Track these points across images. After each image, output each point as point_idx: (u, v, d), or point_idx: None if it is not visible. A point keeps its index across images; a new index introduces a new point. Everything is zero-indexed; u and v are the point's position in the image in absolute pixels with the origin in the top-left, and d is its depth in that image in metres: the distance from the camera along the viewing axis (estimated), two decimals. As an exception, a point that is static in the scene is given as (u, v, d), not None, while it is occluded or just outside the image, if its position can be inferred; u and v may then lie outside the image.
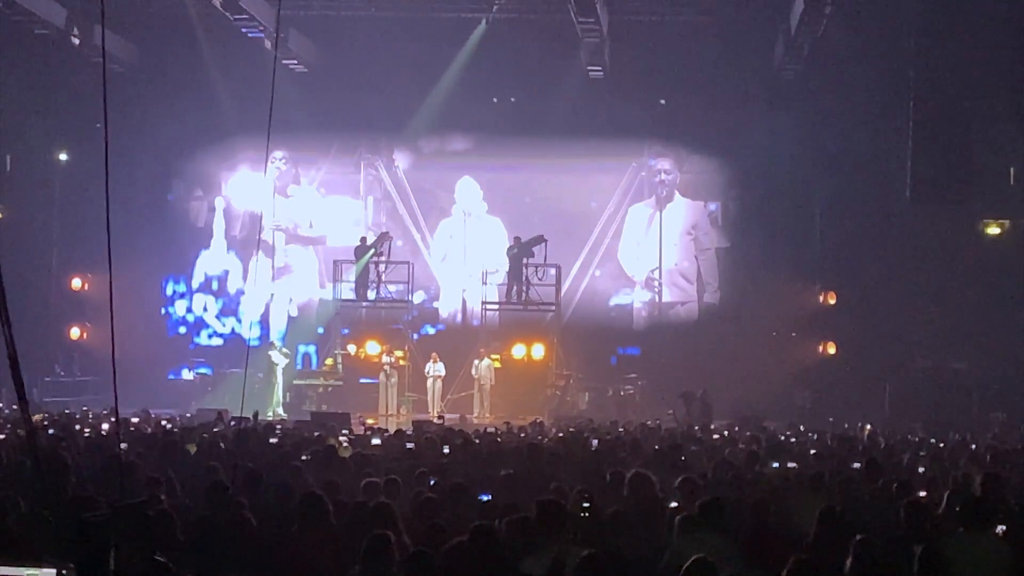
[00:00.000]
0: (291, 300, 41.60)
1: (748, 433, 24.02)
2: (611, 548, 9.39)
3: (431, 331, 41.43)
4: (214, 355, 39.92)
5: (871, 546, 9.06)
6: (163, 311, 41.82)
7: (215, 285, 42.11)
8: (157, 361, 38.95)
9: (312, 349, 40.76)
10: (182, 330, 41.90)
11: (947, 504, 11.71)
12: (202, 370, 38.80)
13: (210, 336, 41.90)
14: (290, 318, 41.77)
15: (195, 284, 42.17)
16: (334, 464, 15.75)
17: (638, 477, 12.53)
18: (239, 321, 41.57)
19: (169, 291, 42.06)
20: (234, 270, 41.99)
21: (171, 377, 39.19)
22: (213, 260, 42.23)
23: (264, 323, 41.45)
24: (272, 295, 41.55)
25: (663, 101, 39.91)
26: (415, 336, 40.32)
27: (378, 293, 38.13)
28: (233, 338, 40.94)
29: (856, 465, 16.07)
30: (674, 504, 11.86)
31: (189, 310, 42.02)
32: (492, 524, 9.58)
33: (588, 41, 36.59)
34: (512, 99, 40.61)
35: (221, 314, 42.02)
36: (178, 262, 42.34)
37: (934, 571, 8.84)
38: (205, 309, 41.97)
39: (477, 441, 20.10)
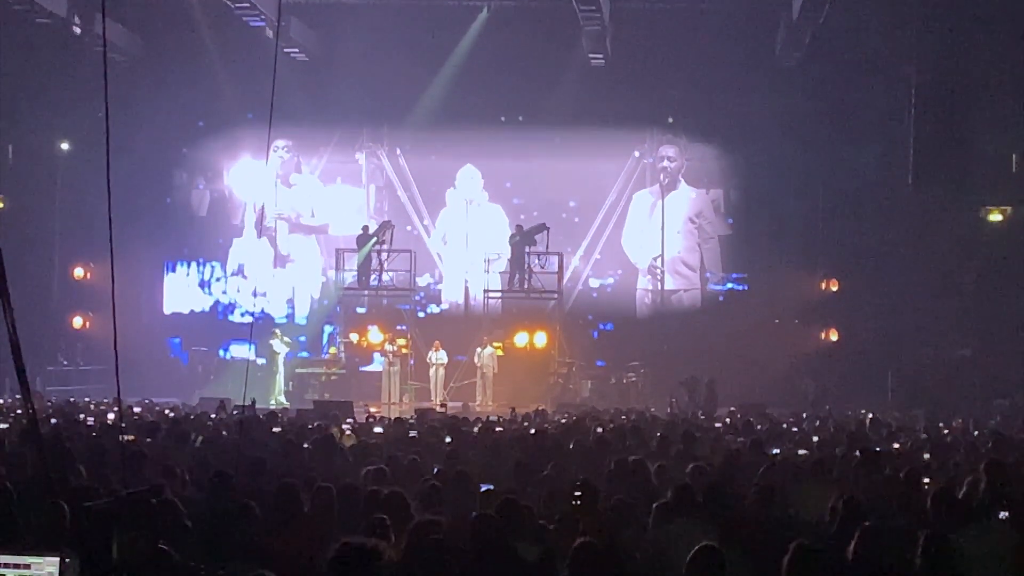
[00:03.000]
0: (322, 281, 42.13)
1: (750, 419, 24.03)
2: (607, 536, 9.39)
3: (436, 309, 41.68)
4: (246, 331, 40.00)
5: (878, 532, 9.05)
6: (211, 294, 42.64)
7: (247, 270, 42.56)
8: (159, 349, 39.06)
9: (334, 329, 41.01)
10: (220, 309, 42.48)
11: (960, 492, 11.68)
12: (246, 345, 38.69)
13: (242, 315, 42.28)
14: (313, 300, 42.08)
15: (229, 270, 42.59)
16: (336, 453, 15.79)
17: (635, 465, 12.55)
18: (268, 302, 42.29)
19: (207, 275, 42.78)
20: (263, 256, 42.54)
21: (222, 353, 39.24)
22: (245, 247, 42.63)
23: (290, 304, 42.37)
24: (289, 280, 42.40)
25: (671, 120, 40.58)
26: (421, 313, 40.61)
27: (380, 281, 38.16)
28: (263, 316, 41.63)
29: (859, 453, 16.05)
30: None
31: (224, 292, 42.54)
32: (492, 513, 9.58)
33: (589, 29, 36.54)
34: (520, 118, 40.74)
35: (253, 295, 42.68)
36: (180, 250, 42.49)
37: (938, 560, 8.84)
38: (239, 291, 42.49)
39: (476, 431, 20.08)
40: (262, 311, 42.03)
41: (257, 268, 42.32)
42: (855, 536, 8.95)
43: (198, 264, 42.68)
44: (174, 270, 42.58)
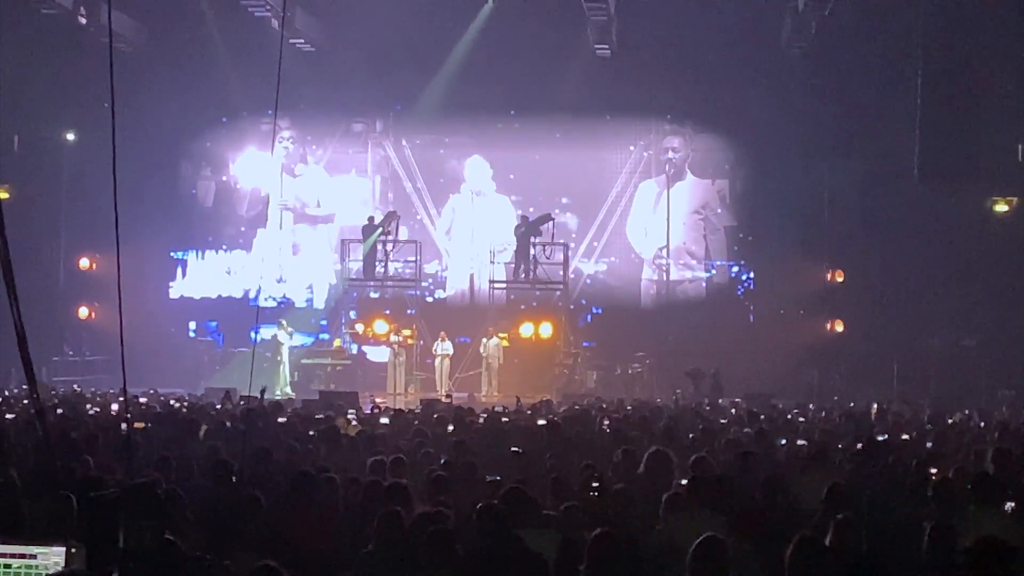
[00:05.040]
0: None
1: (754, 410, 24.02)
2: (622, 526, 9.41)
3: (443, 294, 41.95)
4: (270, 315, 39.89)
5: (853, 524, 9.06)
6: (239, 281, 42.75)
7: (268, 258, 42.83)
8: (165, 340, 39.05)
9: (352, 313, 41.13)
10: (252, 295, 42.73)
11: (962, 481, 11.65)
12: (274, 328, 38.57)
13: (266, 300, 42.42)
14: (331, 287, 42.32)
15: (255, 258, 42.80)
16: (342, 443, 15.81)
17: (657, 455, 12.43)
18: (288, 287, 42.81)
19: (234, 263, 43.10)
20: (285, 244, 43.03)
21: (253, 335, 39.25)
22: (269, 236, 42.93)
23: (310, 290, 42.84)
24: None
25: (668, 117, 40.81)
26: (429, 298, 40.94)
27: (385, 271, 38.22)
28: (285, 301, 42.16)
29: (859, 445, 16.04)
30: (684, 482, 11.85)
31: (250, 279, 42.76)
32: (498, 503, 9.59)
33: (595, 20, 36.51)
34: (511, 116, 40.91)
35: (278, 281, 42.97)
36: (185, 240, 42.62)
37: (944, 548, 8.84)
38: (262, 278, 42.64)
39: (481, 422, 20.07)
40: (284, 296, 42.33)
41: (276, 256, 42.67)
42: (830, 527, 8.96)
43: (225, 251, 42.89)
44: (203, 257, 42.82)
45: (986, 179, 35.89)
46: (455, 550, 8.65)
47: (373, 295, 40.27)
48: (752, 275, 41.24)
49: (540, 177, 41.38)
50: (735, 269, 41.63)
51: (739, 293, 41.50)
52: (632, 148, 41.64)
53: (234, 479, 11.68)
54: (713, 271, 41.61)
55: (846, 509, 9.81)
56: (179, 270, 42.76)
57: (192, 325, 42.01)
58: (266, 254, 42.57)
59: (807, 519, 10.11)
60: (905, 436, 19.34)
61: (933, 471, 12.88)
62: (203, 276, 42.85)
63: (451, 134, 41.64)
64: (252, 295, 42.20)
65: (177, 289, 42.64)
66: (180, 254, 42.84)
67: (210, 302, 42.28)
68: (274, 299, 42.41)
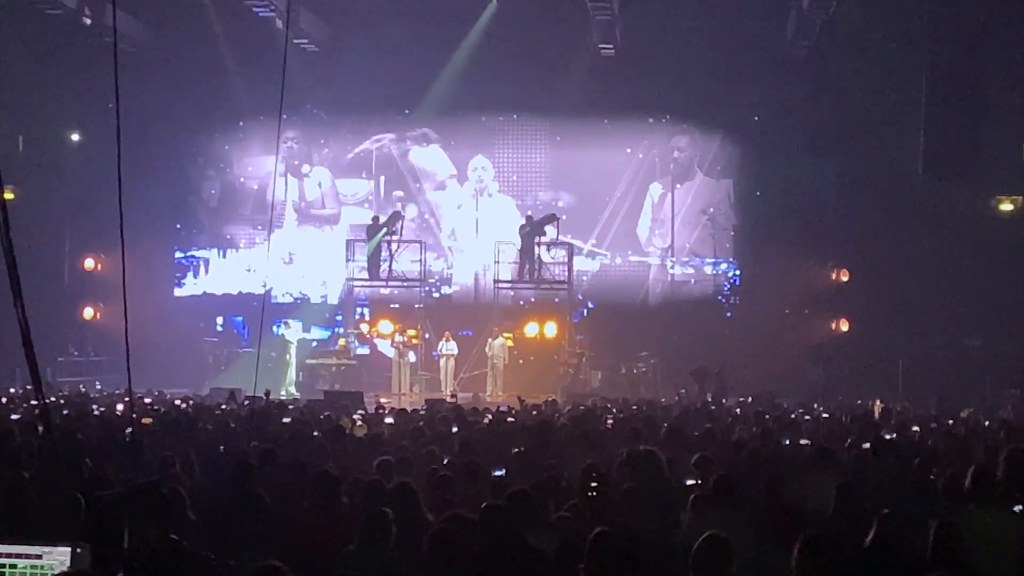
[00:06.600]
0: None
1: (759, 409, 24.01)
2: (623, 525, 9.40)
3: (448, 290, 42.03)
4: (287, 311, 40.01)
5: (895, 521, 9.05)
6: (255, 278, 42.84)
7: (287, 256, 42.94)
8: (170, 340, 39.07)
9: (365, 310, 41.28)
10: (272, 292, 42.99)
11: (970, 480, 11.59)
12: (294, 321, 38.56)
13: (282, 295, 42.43)
14: (344, 283, 42.35)
15: (272, 256, 42.83)
16: (348, 443, 15.80)
17: (647, 454, 12.54)
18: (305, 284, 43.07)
19: (253, 262, 43.22)
20: (301, 243, 43.08)
21: (275, 329, 38.89)
22: (286, 235, 42.99)
23: (324, 286, 42.93)
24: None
25: (667, 118, 40.83)
26: (436, 294, 41.18)
27: (390, 271, 38.24)
28: (303, 298, 42.49)
29: (866, 446, 16.02)
30: (690, 482, 11.88)
31: (268, 276, 42.89)
32: (501, 503, 9.59)
33: (599, 19, 36.50)
34: (515, 116, 41.05)
35: (289, 279, 43.16)
36: (190, 241, 42.67)
37: (949, 547, 8.83)
38: (267, 277, 42.64)
39: (486, 422, 20.07)
40: (301, 293, 42.57)
41: (286, 255, 42.83)
42: (874, 526, 8.95)
43: (246, 248, 43.05)
44: (224, 256, 42.97)
45: (991, 178, 35.92)
46: (461, 552, 8.64)
47: (383, 291, 40.33)
48: (738, 272, 41.29)
49: (543, 177, 41.44)
50: (723, 266, 41.67)
51: (725, 290, 41.58)
52: (629, 150, 41.56)
53: (237, 479, 11.67)
54: (720, 271, 41.64)
55: (855, 508, 9.82)
56: (202, 266, 43.02)
57: (219, 320, 42.12)
58: (277, 253, 42.60)
59: (814, 519, 10.10)
60: (916, 428, 19.36)
61: (937, 470, 12.86)
62: (223, 274, 42.95)
63: (455, 134, 41.67)
64: (272, 292, 42.36)
65: (200, 286, 42.85)
66: (202, 252, 43.04)
67: (231, 298, 42.33)
68: (291, 295, 42.56)
